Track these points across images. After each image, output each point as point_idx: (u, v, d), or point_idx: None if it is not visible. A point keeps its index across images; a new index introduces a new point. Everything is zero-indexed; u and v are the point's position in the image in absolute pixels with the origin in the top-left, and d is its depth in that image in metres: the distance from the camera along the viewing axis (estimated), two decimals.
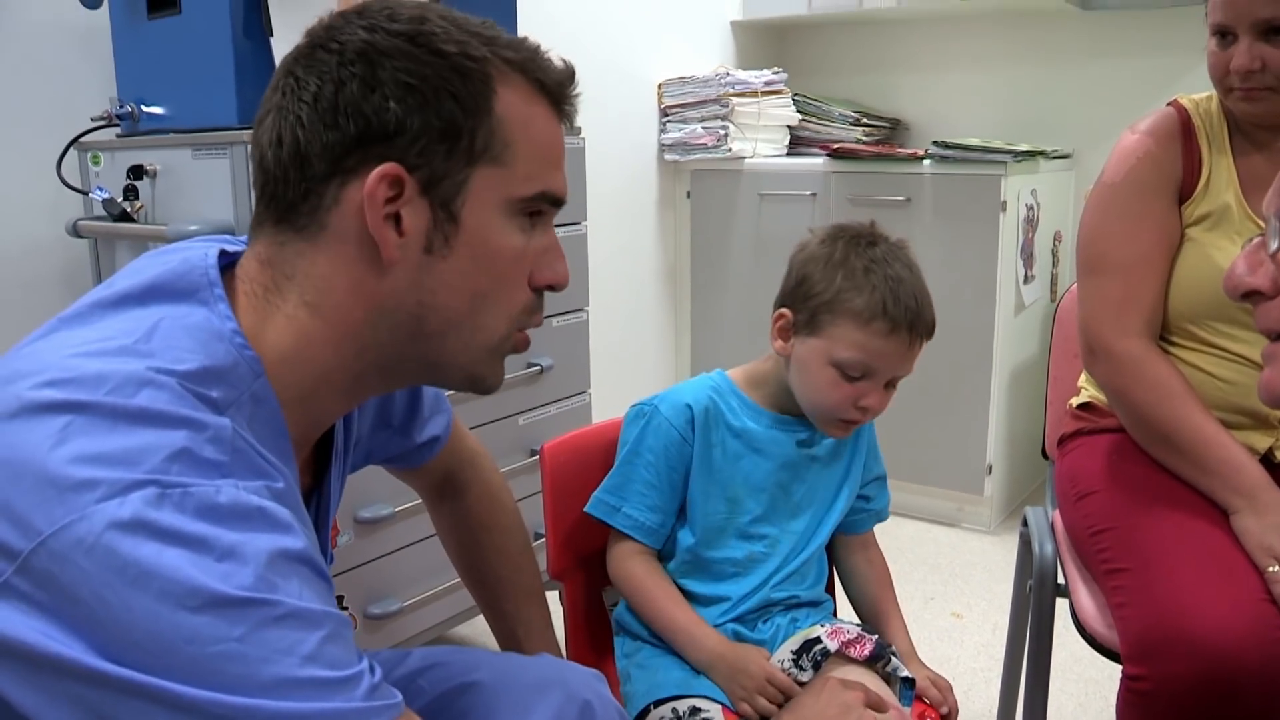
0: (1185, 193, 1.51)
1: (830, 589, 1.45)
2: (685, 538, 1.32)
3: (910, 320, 1.24)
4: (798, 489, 1.34)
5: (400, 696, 0.75)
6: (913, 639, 1.41)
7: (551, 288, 0.90)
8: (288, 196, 0.82)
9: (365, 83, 0.80)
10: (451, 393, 1.79)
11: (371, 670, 0.73)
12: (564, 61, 0.90)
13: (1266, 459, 1.45)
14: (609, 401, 2.36)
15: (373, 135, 0.80)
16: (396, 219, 0.81)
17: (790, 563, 1.33)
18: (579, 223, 2.16)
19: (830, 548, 1.45)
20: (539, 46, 0.88)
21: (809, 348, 1.27)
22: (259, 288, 0.84)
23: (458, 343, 0.86)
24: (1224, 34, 1.44)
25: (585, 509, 1.33)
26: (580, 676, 1.10)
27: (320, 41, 0.83)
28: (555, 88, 0.88)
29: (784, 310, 1.30)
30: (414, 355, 0.86)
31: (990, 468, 3.01)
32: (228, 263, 0.86)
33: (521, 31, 2.00)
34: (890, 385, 1.28)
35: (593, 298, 2.26)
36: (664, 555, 1.35)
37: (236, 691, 0.65)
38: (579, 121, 2.16)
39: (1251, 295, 0.91)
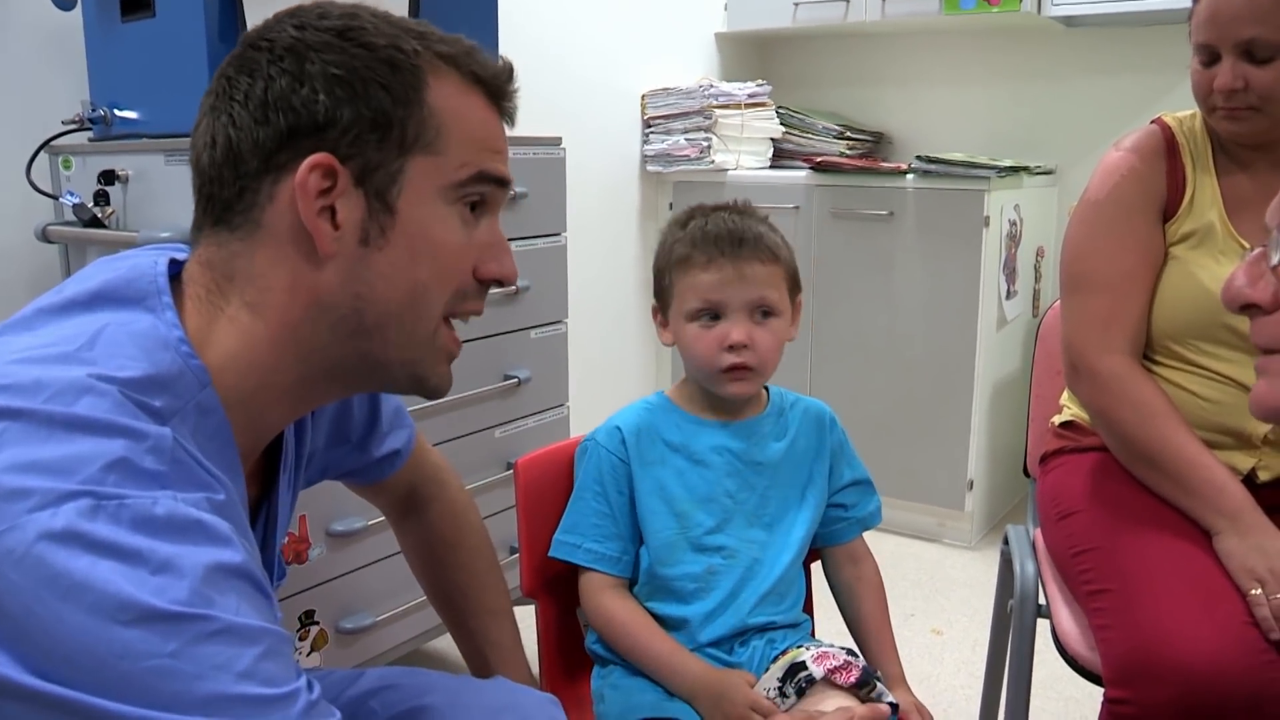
0: (1169, 211, 1.49)
1: (809, 608, 1.43)
2: (643, 559, 1.31)
3: (724, 245, 1.26)
4: (748, 497, 1.32)
5: (339, 715, 0.73)
6: None
7: (499, 282, 0.90)
8: (223, 196, 0.82)
9: (294, 77, 0.80)
10: (425, 405, 1.83)
11: (310, 687, 0.71)
12: (503, 59, 0.89)
13: (1249, 479, 1.44)
14: (588, 415, 2.32)
15: (303, 129, 0.79)
16: (332, 212, 0.80)
17: (763, 580, 1.30)
18: (558, 234, 2.14)
19: (824, 563, 1.43)
20: (476, 45, 0.88)
21: (673, 323, 1.31)
22: (202, 291, 0.83)
23: (399, 337, 0.85)
24: (1207, 53, 1.43)
25: (549, 554, 1.32)
26: (535, 701, 1.08)
27: (252, 41, 0.83)
28: (491, 80, 0.87)
29: (654, 303, 1.35)
30: (355, 354, 0.85)
31: (971, 483, 3.00)
32: (178, 271, 0.85)
33: (503, 42, 1.99)
34: (761, 316, 1.28)
35: (572, 309, 2.23)
36: (631, 582, 1.33)
37: (169, 708, 0.63)
38: (560, 131, 2.18)
39: (1250, 308, 0.90)
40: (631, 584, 1.33)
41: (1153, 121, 1.56)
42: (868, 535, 1.43)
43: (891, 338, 3.06)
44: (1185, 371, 1.48)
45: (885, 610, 1.40)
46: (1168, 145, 1.52)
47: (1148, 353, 1.52)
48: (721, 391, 1.30)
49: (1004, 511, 3.29)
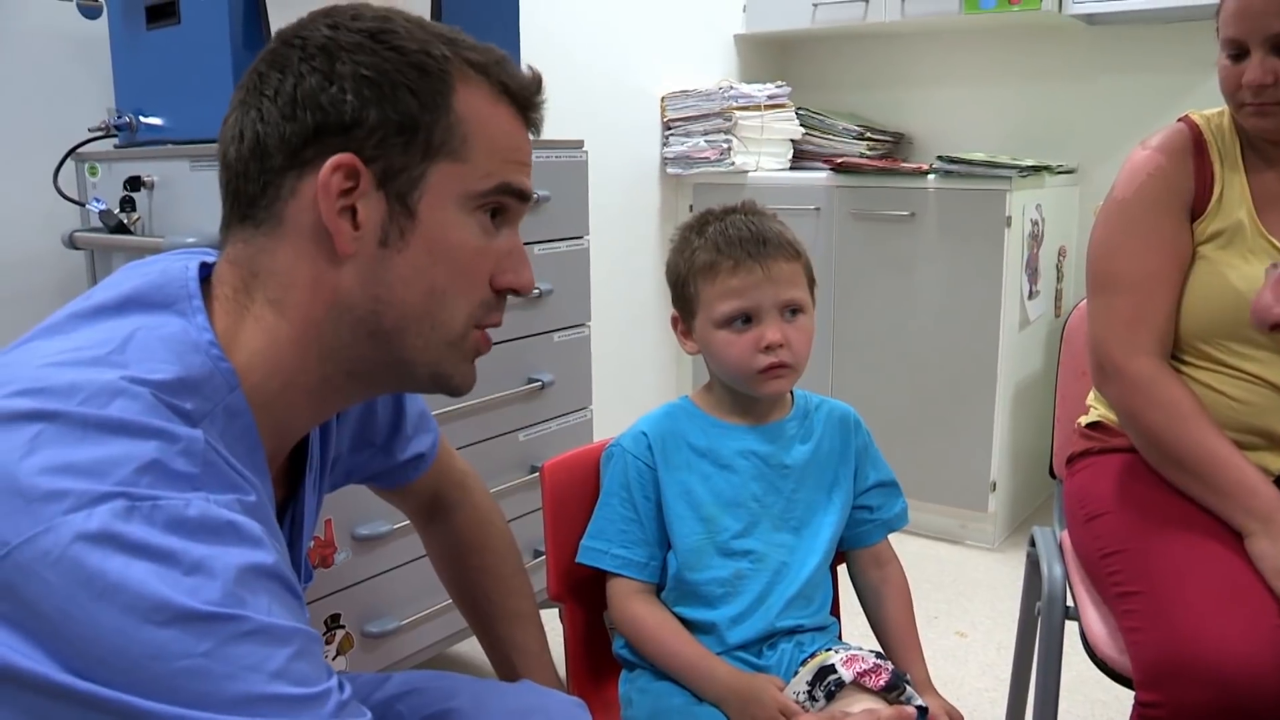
0: (1197, 210, 1.48)
1: (835, 611, 1.42)
2: (671, 564, 1.31)
3: (749, 247, 1.26)
4: (775, 501, 1.31)
5: (370, 715, 0.74)
6: None
7: (514, 291, 0.90)
8: (249, 191, 0.83)
9: (324, 75, 0.80)
10: (449, 408, 1.83)
11: (341, 688, 0.72)
12: (531, 70, 0.90)
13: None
14: (611, 418, 2.33)
15: (329, 127, 0.80)
16: (353, 212, 0.81)
17: (791, 584, 1.30)
18: (581, 237, 2.14)
19: (849, 565, 1.43)
20: (506, 55, 0.88)
21: (700, 330, 1.30)
22: (230, 290, 0.83)
23: (417, 340, 0.85)
24: (1236, 49, 1.42)
25: (576, 559, 1.32)
26: (561, 705, 1.09)
27: (285, 38, 0.84)
28: (519, 91, 0.88)
29: (674, 314, 1.34)
30: (376, 356, 0.85)
31: (994, 484, 2.99)
32: (208, 274, 0.86)
33: (525, 44, 1.99)
34: (790, 315, 1.28)
35: (595, 312, 2.23)
36: (659, 586, 1.33)
37: (201, 707, 0.64)
38: (580, 134, 2.18)
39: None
40: (659, 589, 1.33)
41: (1180, 119, 1.55)
42: (892, 537, 1.42)
43: (913, 338, 3.05)
44: (1214, 372, 1.47)
45: (911, 613, 1.39)
46: (1195, 143, 1.51)
47: (1176, 353, 1.51)
48: (760, 391, 1.29)
49: (1027, 513, 3.27)
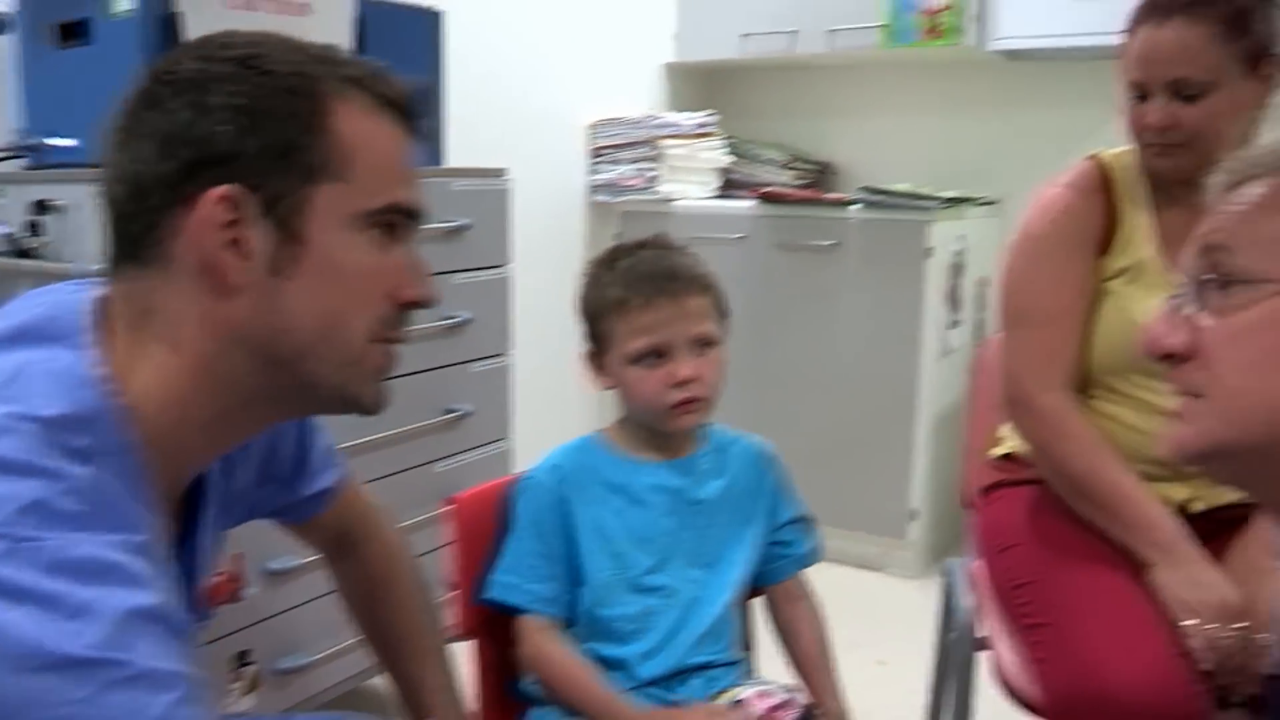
0: (1104, 246, 1.52)
1: (749, 646, 1.42)
2: (581, 599, 1.29)
3: (660, 283, 1.25)
4: (687, 536, 1.31)
5: None
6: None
7: (417, 304, 0.89)
8: (133, 231, 0.81)
9: (196, 109, 0.79)
10: (363, 440, 1.80)
11: None
12: (404, 80, 0.89)
13: (1184, 510, 1.45)
14: (532, 449, 2.30)
15: (207, 160, 0.79)
16: (241, 243, 0.79)
17: (702, 620, 1.29)
18: (501, 266, 2.13)
19: (765, 600, 1.43)
20: (381, 66, 0.87)
21: (612, 367, 1.29)
22: (122, 324, 0.82)
23: (319, 364, 0.84)
24: (1139, 91, 1.45)
25: (485, 595, 1.30)
26: None
27: (155, 75, 0.83)
28: (397, 100, 0.87)
29: (584, 350, 1.33)
30: (279, 383, 0.84)
31: (914, 513, 3.01)
32: (103, 306, 0.84)
33: (450, 72, 1.98)
34: (699, 350, 1.27)
35: (518, 341, 2.22)
36: (567, 622, 1.32)
37: None
38: (504, 162, 2.17)
39: (1168, 357, 0.91)
40: (568, 624, 1.31)
41: (1088, 158, 1.59)
42: (813, 566, 1.43)
43: (836, 367, 3.08)
44: (1122, 405, 1.49)
45: (826, 647, 1.40)
46: (1103, 181, 1.54)
47: (1085, 387, 1.53)
48: (673, 426, 1.29)
49: (948, 541, 3.30)
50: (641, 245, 1.32)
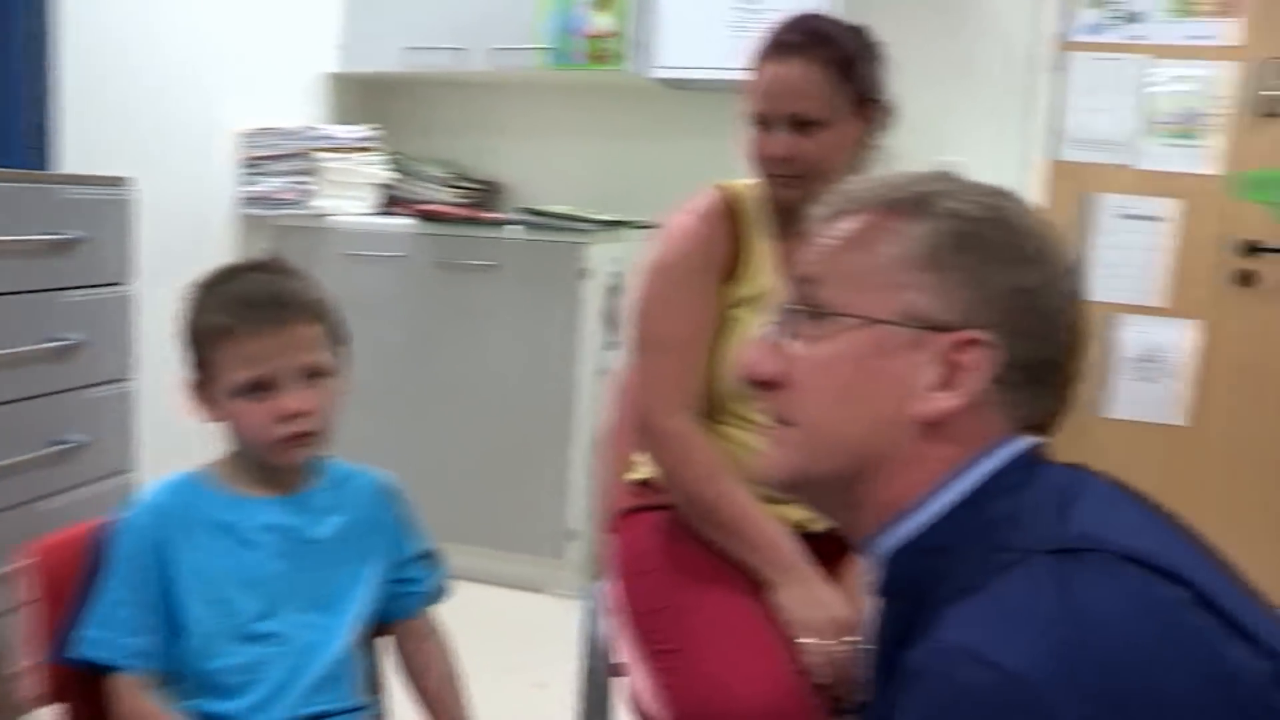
0: (728, 273, 1.56)
1: (377, 689, 1.35)
2: (181, 651, 1.19)
3: (266, 311, 1.18)
4: (300, 578, 1.23)
5: None
6: (494, 713, 1.35)
7: None
8: None
9: None
10: None
11: None
12: None
13: (804, 532, 1.51)
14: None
15: None
16: None
17: (318, 667, 1.22)
18: (122, 283, 1.96)
19: (392, 639, 1.36)
20: None
21: (217, 397, 1.20)
22: None
23: None
24: (762, 122, 1.51)
25: (72, 653, 1.17)
26: None
27: None
28: None
29: (189, 380, 1.23)
30: None
31: (573, 533, 3.03)
32: None
33: (67, 69, 1.79)
34: (310, 381, 1.20)
35: (149, 366, 2.04)
36: (167, 678, 1.21)
37: None
38: (133, 170, 2.00)
39: (762, 385, 0.93)
40: (170, 680, 1.20)
41: (715, 187, 1.63)
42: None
43: (495, 388, 3.05)
44: (746, 430, 1.54)
45: (454, 685, 1.35)
46: (728, 209, 1.58)
47: (711, 412, 1.57)
48: (283, 460, 1.21)
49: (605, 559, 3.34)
50: (250, 268, 1.24)
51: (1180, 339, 3.24)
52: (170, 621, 1.18)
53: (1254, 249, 3.15)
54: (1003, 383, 0.83)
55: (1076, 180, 3.29)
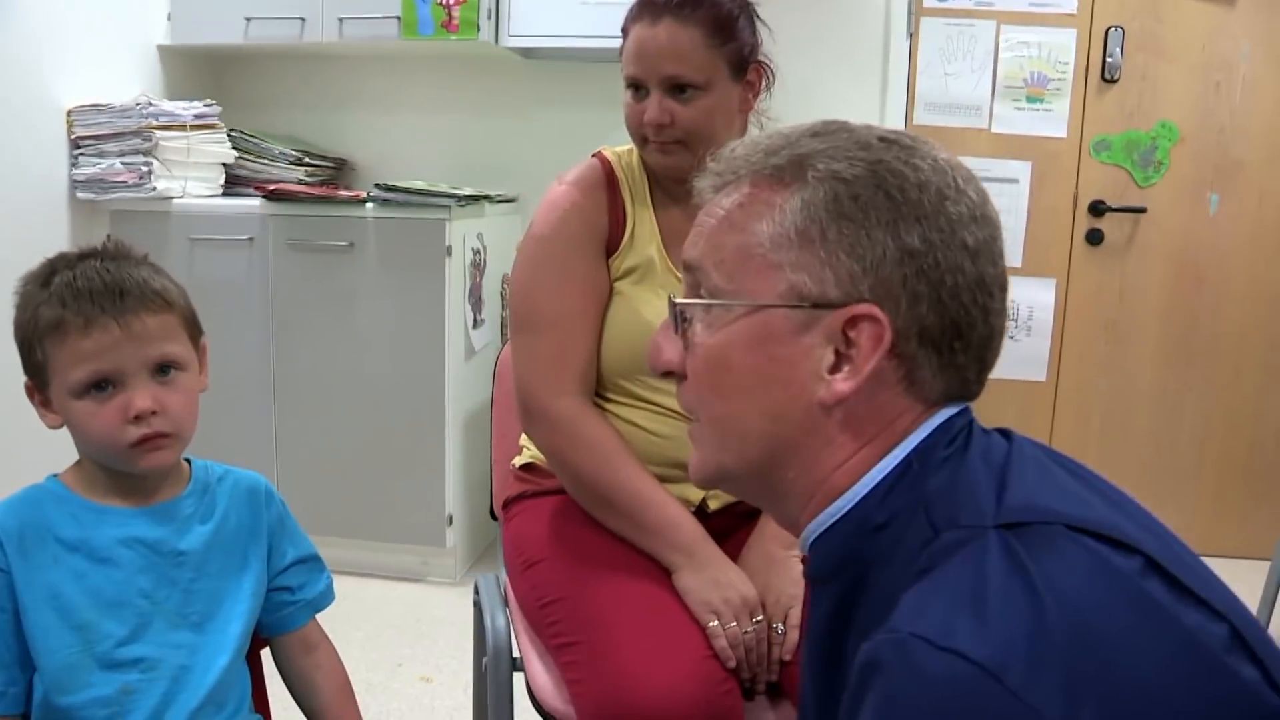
0: (612, 246, 1.50)
1: (263, 706, 1.26)
2: (36, 688, 1.07)
3: (103, 301, 1.07)
4: (169, 595, 1.12)
5: None
6: (383, 710, 1.26)
7: None
8: None
9: None
10: None
11: None
12: None
13: (702, 510, 1.47)
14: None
15: None
16: None
17: (195, 690, 1.11)
18: None
19: (273, 652, 1.27)
20: None
21: (58, 400, 1.09)
22: None
23: None
24: (637, 87, 1.44)
25: None
26: None
27: None
28: None
29: (27, 382, 1.12)
30: None
31: (451, 518, 2.94)
32: None
33: None
34: (160, 377, 1.10)
35: None
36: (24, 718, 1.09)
37: None
38: None
39: (669, 374, 0.88)
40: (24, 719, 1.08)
41: (593, 155, 1.56)
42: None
43: (359, 373, 2.93)
44: (635, 408, 1.48)
45: (349, 698, 1.27)
46: (608, 179, 1.52)
47: (599, 390, 1.51)
48: (137, 467, 1.10)
49: (486, 542, 3.27)
50: (86, 256, 1.11)
51: (1039, 297, 3.32)
52: (23, 653, 1.06)
53: (1100, 209, 3.25)
54: (904, 356, 0.78)
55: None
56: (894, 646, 0.65)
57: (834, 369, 0.79)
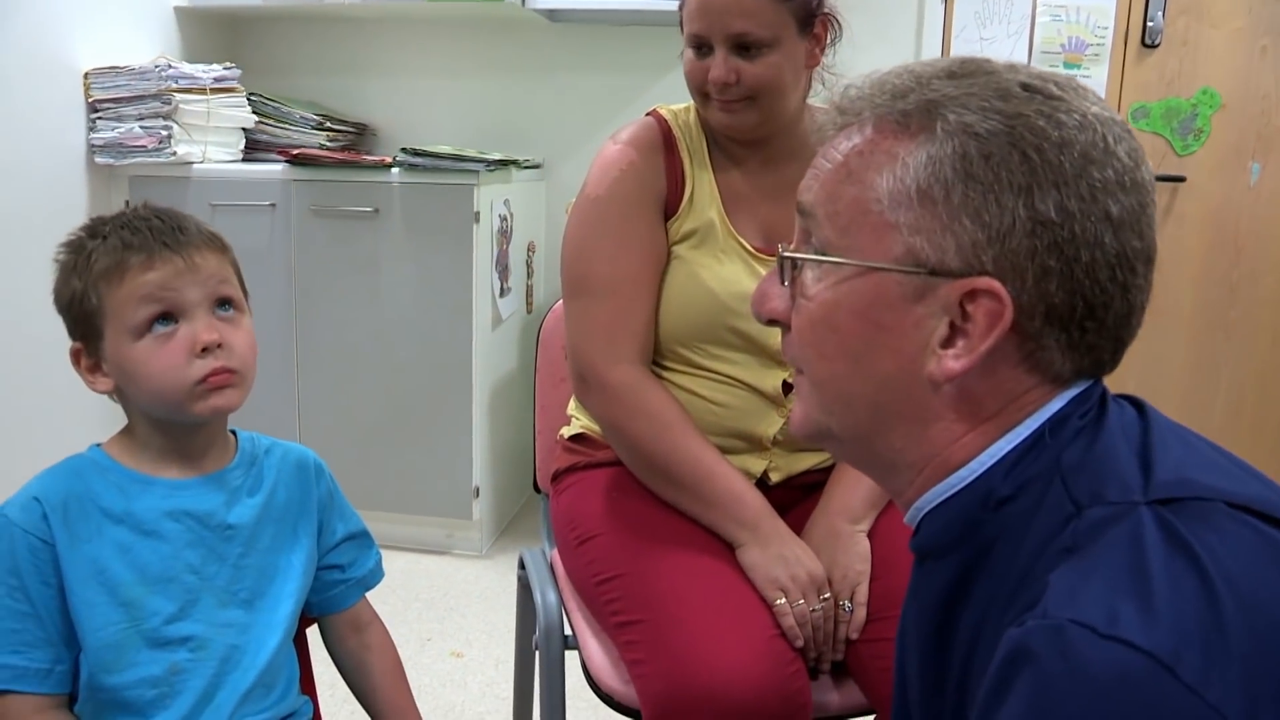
0: (670, 208, 1.43)
1: (309, 688, 1.21)
2: (82, 666, 1.02)
3: (164, 236, 1.03)
4: (218, 571, 1.07)
5: None
6: (413, 687, 1.22)
7: None
8: None
9: None
10: None
11: None
12: None
13: (763, 482, 1.42)
14: (15, 473, 1.92)
15: None
16: None
17: (246, 672, 1.06)
18: None
19: (323, 633, 1.22)
20: None
21: (113, 351, 1.03)
22: None
23: None
24: (700, 43, 1.38)
25: None
26: None
27: None
28: None
29: (75, 345, 1.07)
30: None
31: (478, 490, 2.88)
32: None
33: None
34: (225, 311, 1.06)
35: None
36: (72, 697, 1.03)
37: None
38: None
39: (774, 323, 0.82)
40: (72, 700, 1.03)
41: (649, 114, 1.49)
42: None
43: (383, 342, 2.87)
44: (694, 376, 1.42)
45: (402, 678, 1.22)
46: (665, 139, 1.45)
47: (657, 358, 1.44)
48: (202, 410, 1.03)
49: (512, 514, 3.22)
50: (130, 212, 1.07)
51: None
52: (69, 631, 1.01)
53: None
54: (1027, 334, 0.71)
55: None
56: (1050, 634, 0.59)
57: (947, 343, 0.72)
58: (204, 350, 1.02)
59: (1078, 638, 0.58)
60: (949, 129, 0.72)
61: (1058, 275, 0.70)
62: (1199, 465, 0.70)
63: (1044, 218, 0.69)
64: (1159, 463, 0.68)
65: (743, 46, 1.35)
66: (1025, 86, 0.73)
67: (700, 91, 1.40)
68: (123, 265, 1.01)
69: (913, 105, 0.74)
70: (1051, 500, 0.69)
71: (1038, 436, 0.72)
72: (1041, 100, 0.72)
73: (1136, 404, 0.78)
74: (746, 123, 1.38)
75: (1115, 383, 0.74)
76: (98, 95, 2.89)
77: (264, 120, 3.17)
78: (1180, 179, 3.16)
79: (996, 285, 0.70)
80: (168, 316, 1.02)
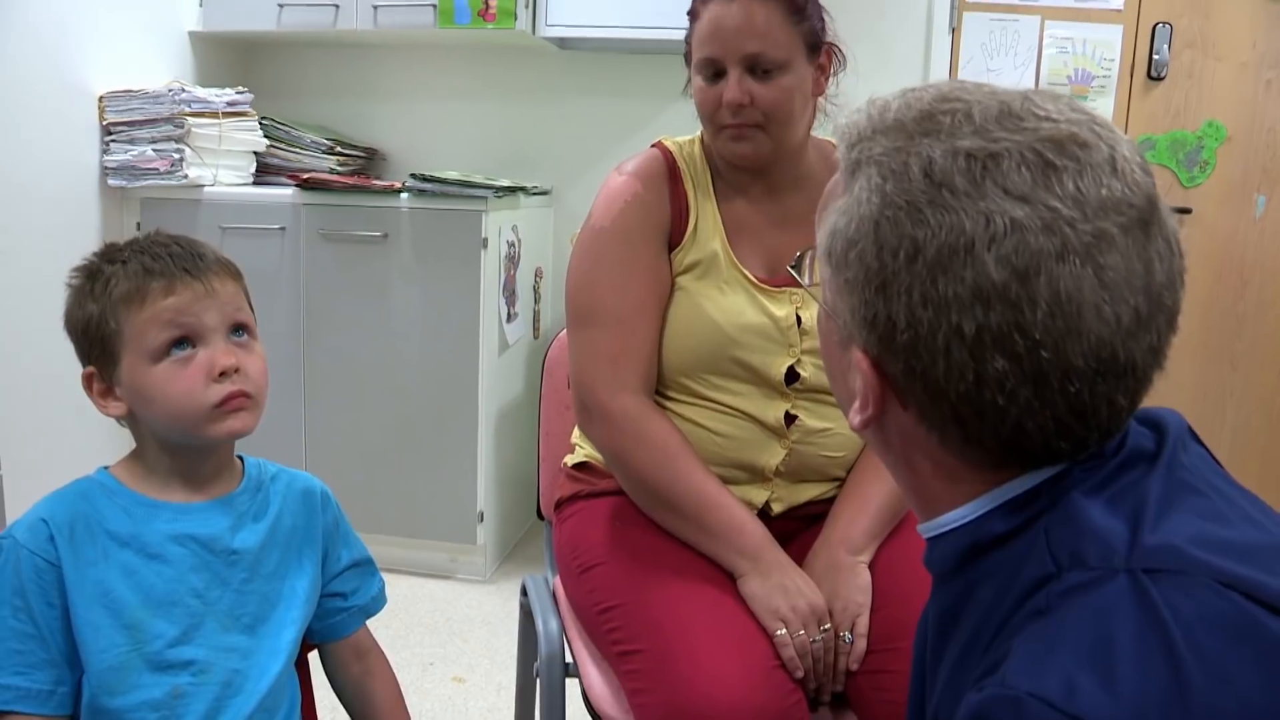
0: (674, 239, 1.44)
1: (310, 715, 1.21)
2: (84, 689, 1.02)
3: (184, 263, 1.06)
4: (222, 595, 1.07)
5: None
6: (414, 712, 1.22)
7: None
8: None
9: None
10: None
11: None
12: None
13: (764, 513, 1.42)
14: (29, 492, 1.93)
15: None
16: None
17: (248, 697, 1.06)
18: None
19: (323, 660, 1.22)
20: None
21: (129, 375, 1.05)
22: None
23: None
24: (712, 69, 1.39)
25: None
26: None
27: None
28: None
29: (88, 370, 1.08)
30: None
31: (482, 514, 2.89)
32: None
33: None
34: (238, 340, 1.08)
35: (5, 355, 1.83)
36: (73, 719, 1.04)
37: None
38: None
39: None
40: None
41: (653, 145, 1.51)
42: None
43: (391, 366, 2.88)
44: (697, 406, 1.43)
45: (401, 706, 1.22)
46: (670, 170, 1.46)
47: (660, 388, 1.45)
48: (219, 433, 1.05)
49: (515, 540, 3.22)
50: (144, 239, 1.09)
51: None
52: (72, 652, 1.02)
53: None
54: (930, 420, 0.70)
55: None
56: (1008, 705, 0.58)
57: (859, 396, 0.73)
58: (221, 374, 1.04)
59: (1034, 712, 0.57)
60: (863, 188, 0.70)
61: (920, 377, 0.68)
62: (1196, 528, 0.66)
63: (897, 319, 0.67)
64: (1148, 525, 0.65)
65: (756, 69, 1.36)
66: (933, 170, 0.66)
67: (711, 119, 1.41)
68: (143, 290, 1.03)
69: (853, 158, 0.72)
70: (1035, 555, 0.67)
71: (1033, 493, 0.70)
72: (935, 192, 0.66)
73: (1158, 430, 0.75)
74: (759, 150, 1.40)
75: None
76: (112, 118, 2.92)
77: (275, 144, 3.20)
78: (1186, 211, 3.18)
79: (866, 366, 0.70)
80: (185, 341, 1.04)
